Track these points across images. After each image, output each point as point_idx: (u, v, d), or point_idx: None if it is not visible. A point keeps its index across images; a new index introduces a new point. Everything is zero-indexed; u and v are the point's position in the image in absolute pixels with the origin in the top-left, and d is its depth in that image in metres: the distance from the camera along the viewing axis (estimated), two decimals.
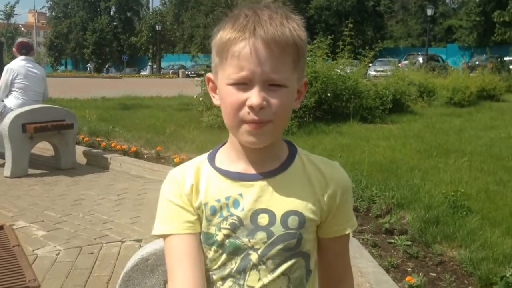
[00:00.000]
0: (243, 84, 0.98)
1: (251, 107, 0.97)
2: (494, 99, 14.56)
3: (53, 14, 67.28)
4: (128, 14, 66.92)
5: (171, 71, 48.76)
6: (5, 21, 66.45)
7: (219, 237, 1.05)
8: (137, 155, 6.28)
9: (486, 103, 13.51)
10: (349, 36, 9.71)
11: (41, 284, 2.89)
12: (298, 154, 1.12)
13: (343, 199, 1.09)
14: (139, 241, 3.64)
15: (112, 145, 6.71)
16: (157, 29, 52.27)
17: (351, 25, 9.87)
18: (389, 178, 4.68)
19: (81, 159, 6.37)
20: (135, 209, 4.41)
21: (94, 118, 9.16)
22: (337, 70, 9.39)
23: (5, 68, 6.14)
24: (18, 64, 6.10)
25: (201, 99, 9.12)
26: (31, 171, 5.74)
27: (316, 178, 1.09)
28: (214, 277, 1.07)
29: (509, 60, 31.15)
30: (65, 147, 6.02)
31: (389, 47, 50.56)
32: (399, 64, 18.54)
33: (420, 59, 26.46)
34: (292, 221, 1.04)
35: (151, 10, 65.64)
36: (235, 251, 1.05)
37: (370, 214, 3.86)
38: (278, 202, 1.05)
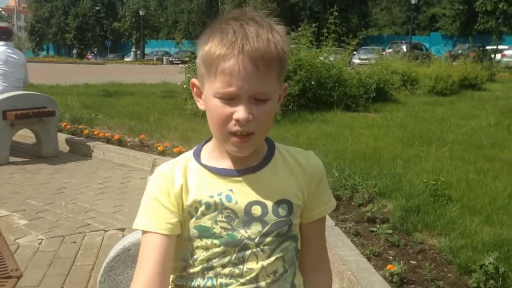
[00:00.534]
0: (230, 99, 1.04)
1: (238, 121, 1.03)
2: (475, 88, 14.72)
3: None
4: None
5: (155, 57, 48.35)
6: None
7: (216, 229, 1.11)
8: (120, 143, 6.24)
9: (468, 92, 13.66)
10: (334, 24, 9.70)
11: (23, 274, 2.90)
12: (277, 148, 1.20)
13: (320, 184, 1.20)
14: (122, 230, 3.63)
15: (95, 132, 6.66)
16: (141, 14, 51.67)
17: (336, 13, 9.86)
18: (371, 167, 4.73)
19: (63, 147, 6.31)
20: (118, 198, 4.39)
21: (76, 105, 9.05)
22: (321, 58, 9.39)
23: None
24: None
25: (185, 86, 9.06)
26: (12, 159, 5.67)
27: (296, 168, 1.18)
28: (214, 264, 1.12)
29: (491, 49, 31.51)
30: (47, 134, 5.95)
31: (373, 35, 50.66)
32: (383, 53, 18.64)
33: (404, 48, 26.64)
34: (283, 209, 1.14)
35: None
36: (233, 242, 1.11)
37: (352, 203, 3.90)
38: (268, 193, 1.13)
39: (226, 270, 1.12)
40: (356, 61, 19.22)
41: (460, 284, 2.66)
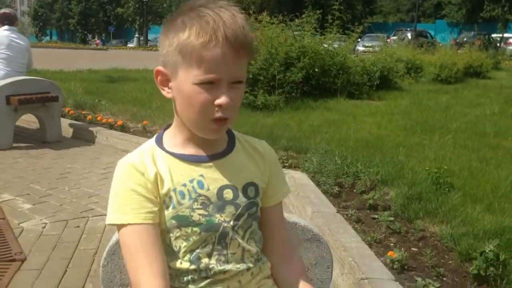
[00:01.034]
0: (210, 83, 1.05)
1: (220, 106, 1.06)
2: (480, 76, 14.66)
3: None
4: None
5: (158, 43, 48.14)
6: None
7: (195, 217, 1.13)
8: (123, 129, 6.25)
9: (472, 80, 13.60)
10: (338, 11, 9.64)
11: (27, 257, 2.93)
12: (236, 137, 1.26)
13: (276, 170, 1.28)
14: None
15: (98, 118, 6.67)
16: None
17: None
18: (374, 155, 4.73)
19: (66, 132, 6.32)
20: None
21: (79, 90, 9.05)
22: (325, 45, 9.35)
23: None
24: (1, 35, 5.98)
25: None
26: (15, 144, 5.69)
27: (255, 154, 1.25)
28: (201, 255, 1.14)
29: (497, 37, 31.28)
30: (51, 120, 5.96)
31: (378, 22, 50.31)
32: (388, 40, 18.52)
33: (409, 35, 26.44)
34: (251, 191, 1.19)
35: None
36: (212, 227, 1.14)
37: (354, 190, 3.91)
38: (236, 177, 1.18)
39: (213, 260, 1.14)
40: (361, 48, 19.13)
41: (461, 271, 2.67)
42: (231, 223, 1.15)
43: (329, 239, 2.91)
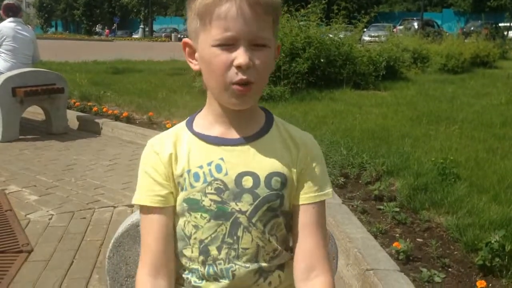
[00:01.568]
0: (228, 45, 1.00)
1: (239, 67, 0.99)
2: (487, 66, 14.54)
3: None
4: None
5: (163, 34, 48.08)
6: None
7: (206, 202, 1.07)
8: (129, 120, 6.26)
9: (479, 70, 13.48)
10: (344, 1, 9.58)
11: (34, 248, 2.95)
12: (275, 121, 1.16)
13: (313, 165, 1.13)
14: (131, 206, 3.67)
15: (104, 110, 6.68)
16: None
17: None
18: (380, 145, 4.71)
19: (72, 124, 6.34)
20: (127, 175, 4.42)
21: (85, 82, 9.06)
22: (331, 35, 9.29)
23: None
24: (6, 26, 5.99)
25: None
26: (22, 135, 5.71)
27: (290, 143, 1.13)
28: (210, 247, 1.08)
29: (504, 26, 30.98)
30: (56, 111, 5.98)
31: (384, 12, 49.96)
32: (394, 30, 18.39)
33: (415, 25, 26.25)
34: (275, 182, 1.08)
35: None
36: (223, 215, 1.07)
37: (360, 181, 3.90)
38: (261, 165, 1.08)
39: (223, 254, 1.08)
40: (366, 38, 18.99)
41: (466, 262, 2.67)
42: (247, 213, 1.06)
43: (334, 230, 2.91)
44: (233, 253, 1.08)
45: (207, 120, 1.13)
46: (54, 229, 3.25)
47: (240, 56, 0.99)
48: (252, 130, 1.12)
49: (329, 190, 1.15)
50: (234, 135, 1.10)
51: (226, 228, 1.07)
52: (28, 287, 2.54)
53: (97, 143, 5.65)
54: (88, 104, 7.09)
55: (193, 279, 1.11)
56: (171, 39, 42.37)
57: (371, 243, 2.78)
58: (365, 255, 2.60)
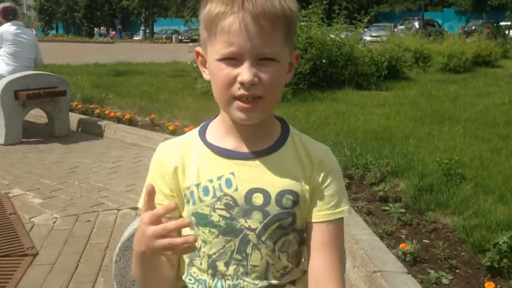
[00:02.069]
0: (232, 60, 0.96)
1: (242, 84, 0.96)
2: (489, 65, 14.52)
3: None
4: None
5: (164, 36, 48.04)
6: None
7: (214, 217, 1.04)
8: (131, 122, 6.26)
9: (481, 70, 13.47)
10: (345, 1, 9.56)
11: (39, 252, 2.94)
12: (290, 134, 1.11)
13: (327, 182, 1.08)
14: (135, 209, 3.66)
15: (106, 112, 6.67)
16: None
17: None
18: (383, 146, 4.70)
19: (75, 127, 6.33)
20: (130, 177, 4.41)
21: (87, 84, 9.06)
22: (332, 35, 9.28)
23: None
24: (7, 30, 5.99)
25: (194, 65, 9.00)
26: (24, 138, 5.71)
27: (304, 158, 1.08)
28: (217, 263, 1.06)
29: (505, 25, 30.93)
30: (59, 114, 5.98)
31: (385, 12, 49.95)
32: (395, 29, 18.37)
33: (416, 24, 26.22)
34: (287, 200, 1.04)
35: None
36: (231, 232, 1.04)
37: (364, 182, 3.89)
38: (272, 181, 1.04)
39: (231, 270, 1.05)
40: (367, 38, 18.98)
41: (474, 263, 2.65)
42: (256, 232, 1.03)
43: None
44: (241, 270, 1.05)
45: (220, 130, 1.09)
46: (59, 232, 3.24)
47: (244, 72, 0.95)
48: (265, 144, 1.07)
49: (345, 208, 1.08)
50: (246, 148, 1.06)
51: (234, 244, 1.04)
52: None
53: (100, 145, 5.64)
54: (90, 106, 7.08)
55: None
56: (171, 40, 42.34)
57: (377, 244, 2.76)
58: (372, 257, 2.59)
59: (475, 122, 6.16)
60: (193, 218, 1.06)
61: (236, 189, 1.03)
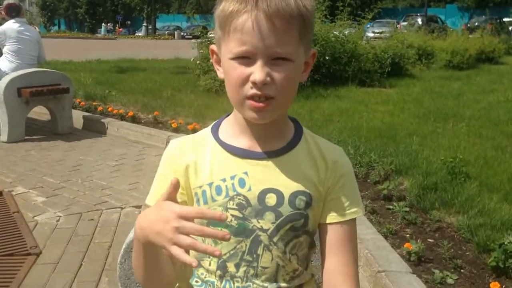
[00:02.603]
0: (246, 58, 0.95)
1: (254, 83, 0.95)
2: (493, 61, 14.47)
3: None
4: None
5: (166, 32, 48.01)
6: None
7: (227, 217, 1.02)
8: (134, 119, 6.25)
9: (485, 66, 13.42)
10: None
11: (42, 251, 2.94)
12: (304, 135, 1.11)
13: (342, 183, 1.07)
14: (138, 207, 3.65)
15: (109, 109, 6.66)
16: None
17: None
18: (387, 144, 4.68)
19: (78, 124, 6.33)
20: (133, 175, 4.41)
21: (90, 81, 9.05)
22: (335, 32, 9.24)
23: None
24: (10, 28, 5.98)
25: (198, 62, 8.99)
26: (27, 136, 5.70)
27: (318, 160, 1.08)
28: (228, 264, 1.05)
29: (509, 21, 30.79)
30: (62, 111, 5.97)
31: (388, 8, 49.76)
32: (398, 26, 18.31)
33: (419, 20, 26.14)
34: (300, 201, 1.03)
35: None
36: (243, 232, 1.03)
37: (368, 180, 3.87)
38: (286, 182, 1.03)
39: (241, 271, 1.04)
40: (370, 34, 18.93)
41: (479, 263, 2.64)
42: (268, 232, 1.02)
43: None
44: (251, 271, 1.04)
45: (233, 129, 1.08)
46: (62, 231, 3.24)
47: (256, 72, 0.94)
48: (279, 144, 1.07)
49: (357, 208, 1.08)
50: (259, 148, 1.05)
51: (246, 245, 1.03)
52: None
53: (103, 143, 5.63)
54: (93, 103, 7.07)
55: None
56: (174, 37, 42.29)
57: (382, 244, 2.75)
58: (376, 257, 2.58)
59: (479, 120, 6.13)
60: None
61: (250, 189, 1.02)
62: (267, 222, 1.02)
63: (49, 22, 63.92)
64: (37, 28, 6.59)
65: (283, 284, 1.05)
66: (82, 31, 58.09)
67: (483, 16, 29.59)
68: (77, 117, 6.37)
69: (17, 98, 5.52)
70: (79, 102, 7.10)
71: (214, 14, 1.03)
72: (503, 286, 2.39)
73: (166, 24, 55.02)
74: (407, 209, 3.25)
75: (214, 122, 1.13)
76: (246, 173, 1.03)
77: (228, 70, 0.99)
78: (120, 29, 54.33)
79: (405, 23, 21.84)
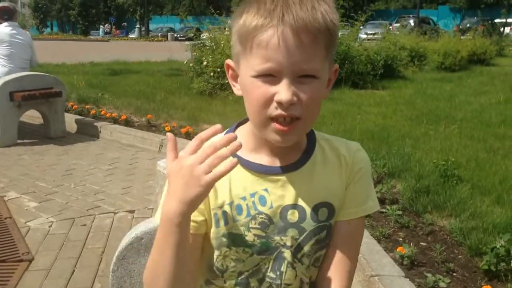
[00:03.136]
0: (270, 76, 0.89)
1: (280, 103, 0.89)
2: (484, 63, 14.57)
3: None
4: None
5: (159, 33, 47.91)
6: None
7: (249, 237, 0.99)
8: (127, 123, 6.23)
9: (476, 68, 13.50)
10: None
11: (35, 257, 2.92)
12: (317, 141, 1.06)
13: (361, 179, 1.05)
14: (132, 212, 3.64)
15: (102, 112, 6.64)
16: None
17: None
18: (380, 146, 4.70)
19: (70, 127, 6.30)
20: (127, 179, 4.39)
21: (82, 84, 9.01)
22: None
23: None
24: (2, 31, 5.94)
25: (191, 65, 8.99)
26: (20, 140, 5.67)
27: (337, 163, 1.04)
28: (250, 280, 1.02)
29: (500, 22, 30.98)
30: (54, 115, 5.95)
31: (380, 9, 49.94)
32: (390, 27, 18.38)
33: (412, 22, 26.25)
34: (322, 213, 1.01)
35: None
36: (267, 250, 1.00)
37: None
38: (307, 196, 1.00)
39: (264, 287, 1.01)
40: (363, 36, 18.97)
41: (471, 266, 2.66)
42: (292, 249, 0.99)
43: None
44: None
45: (250, 143, 1.01)
46: (55, 237, 3.22)
47: (282, 91, 0.88)
48: (295, 156, 1.02)
49: (372, 204, 1.05)
50: (278, 163, 1.00)
51: (269, 262, 1.00)
52: None
53: (96, 146, 5.61)
54: (86, 107, 7.05)
55: None
56: (167, 38, 42.22)
57: (375, 248, 2.76)
58: (370, 261, 2.59)
59: (470, 122, 6.17)
60: (224, 240, 1.00)
61: (271, 207, 0.99)
62: (290, 239, 0.99)
63: (42, 24, 63.60)
64: (27, 32, 6.54)
65: None
66: (75, 33, 57.87)
67: (475, 18, 29.77)
68: (70, 121, 6.34)
69: (9, 102, 5.49)
70: (72, 106, 7.07)
71: (232, 29, 0.98)
72: None
73: (159, 26, 54.92)
74: (400, 212, 3.26)
75: (224, 133, 1.03)
76: (266, 190, 0.99)
77: (250, 89, 0.92)
78: (117, 31, 54.14)
79: (397, 25, 21.94)
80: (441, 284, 2.45)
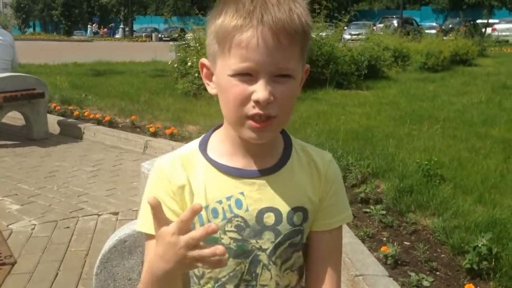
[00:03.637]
0: (247, 76, 0.92)
1: (257, 102, 0.91)
2: (466, 63, 14.73)
3: None
4: None
5: (144, 34, 47.63)
6: None
7: (225, 240, 1.00)
8: (111, 124, 6.18)
9: (459, 68, 13.66)
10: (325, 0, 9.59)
11: (17, 260, 2.89)
12: (293, 147, 1.08)
13: (334, 190, 1.08)
14: (115, 214, 3.62)
15: (85, 114, 6.57)
16: None
17: None
18: (364, 147, 4.73)
19: (53, 129, 6.24)
20: (111, 181, 4.36)
21: (65, 85, 8.92)
22: (312, 35, 9.29)
23: None
24: None
25: (175, 65, 8.95)
26: (1, 141, 5.60)
27: (311, 169, 1.07)
28: (227, 286, 1.03)
29: (482, 23, 31.42)
30: (37, 116, 5.88)
31: (364, 10, 50.32)
32: (374, 28, 18.51)
33: (395, 23, 26.46)
34: (297, 217, 1.03)
35: None
36: (242, 254, 1.01)
37: (346, 184, 3.90)
38: (283, 200, 1.02)
39: None
40: (347, 36, 19.08)
41: (454, 265, 2.69)
42: (267, 252, 1.01)
43: None
44: None
45: (225, 146, 1.04)
46: (37, 240, 3.18)
47: (259, 90, 0.90)
48: (272, 160, 1.04)
49: (346, 214, 1.10)
50: (254, 166, 1.02)
51: (245, 266, 1.01)
52: None
53: (79, 148, 5.56)
54: (69, 108, 6.97)
55: None
56: (151, 39, 42.00)
57: (359, 248, 2.78)
58: (354, 261, 2.60)
59: (453, 122, 6.24)
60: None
61: (247, 210, 1.00)
62: (266, 242, 1.01)
63: (24, 24, 62.84)
64: (9, 32, 6.46)
65: None
66: (58, 33, 57.24)
67: (457, 18, 30.12)
68: (53, 122, 6.28)
69: None
70: (55, 107, 6.99)
71: (209, 28, 0.99)
72: None
73: (143, 26, 54.60)
74: (384, 212, 3.29)
75: (201, 138, 1.08)
76: (242, 193, 1.00)
77: (226, 87, 0.94)
78: (105, 30, 53.67)
79: (381, 25, 22.12)
80: (425, 283, 2.48)
